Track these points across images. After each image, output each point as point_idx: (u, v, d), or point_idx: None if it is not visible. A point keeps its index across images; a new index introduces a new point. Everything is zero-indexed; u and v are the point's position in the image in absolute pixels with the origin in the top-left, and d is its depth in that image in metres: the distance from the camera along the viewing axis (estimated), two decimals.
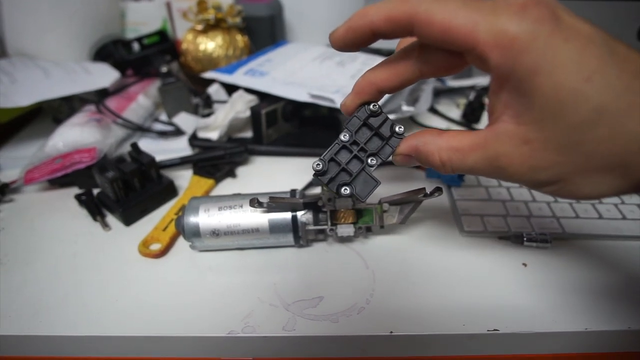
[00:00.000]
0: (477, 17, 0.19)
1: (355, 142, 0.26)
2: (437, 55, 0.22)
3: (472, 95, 0.56)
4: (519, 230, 0.36)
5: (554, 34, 0.18)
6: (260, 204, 0.30)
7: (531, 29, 0.18)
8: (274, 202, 0.30)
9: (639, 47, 0.24)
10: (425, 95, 0.51)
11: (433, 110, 0.57)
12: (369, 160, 0.26)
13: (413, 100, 0.51)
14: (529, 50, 0.18)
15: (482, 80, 0.63)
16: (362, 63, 0.56)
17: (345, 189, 0.26)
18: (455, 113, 0.57)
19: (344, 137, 0.26)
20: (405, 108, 0.48)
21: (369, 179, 0.26)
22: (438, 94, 0.60)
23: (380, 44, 0.23)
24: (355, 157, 0.26)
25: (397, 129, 0.26)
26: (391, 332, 0.28)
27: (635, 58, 0.18)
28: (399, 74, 0.23)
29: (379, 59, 0.57)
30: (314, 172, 0.26)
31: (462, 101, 0.57)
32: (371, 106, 0.25)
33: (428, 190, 0.31)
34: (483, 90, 0.59)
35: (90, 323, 0.30)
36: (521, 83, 0.18)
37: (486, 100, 0.57)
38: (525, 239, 0.35)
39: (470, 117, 0.54)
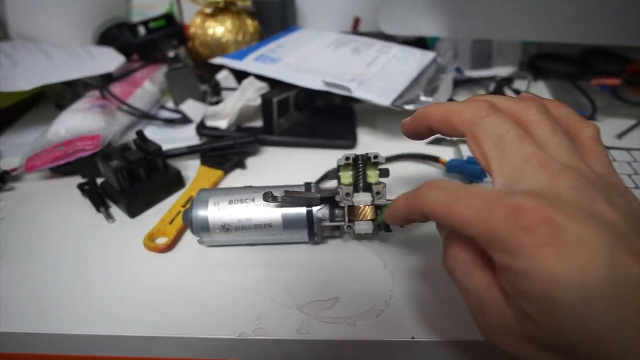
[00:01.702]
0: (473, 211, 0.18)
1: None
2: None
3: (492, 87, 0.53)
4: None
5: (544, 247, 0.16)
6: (274, 199, 0.29)
7: (519, 236, 0.16)
8: (290, 197, 0.28)
9: None
10: (445, 85, 0.49)
11: (451, 101, 0.55)
12: None
13: (431, 91, 0.48)
14: (518, 256, 0.16)
15: (502, 71, 0.60)
16: (377, 50, 0.53)
17: None
18: None
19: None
20: (423, 98, 0.46)
21: None
22: (455, 84, 0.57)
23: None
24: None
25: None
26: (412, 337, 0.27)
27: None
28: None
29: (395, 46, 0.55)
30: None
31: (481, 92, 0.54)
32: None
33: None
34: (504, 81, 0.56)
35: (94, 321, 0.28)
36: (515, 281, 0.17)
37: (507, 92, 0.54)
38: None
39: None
